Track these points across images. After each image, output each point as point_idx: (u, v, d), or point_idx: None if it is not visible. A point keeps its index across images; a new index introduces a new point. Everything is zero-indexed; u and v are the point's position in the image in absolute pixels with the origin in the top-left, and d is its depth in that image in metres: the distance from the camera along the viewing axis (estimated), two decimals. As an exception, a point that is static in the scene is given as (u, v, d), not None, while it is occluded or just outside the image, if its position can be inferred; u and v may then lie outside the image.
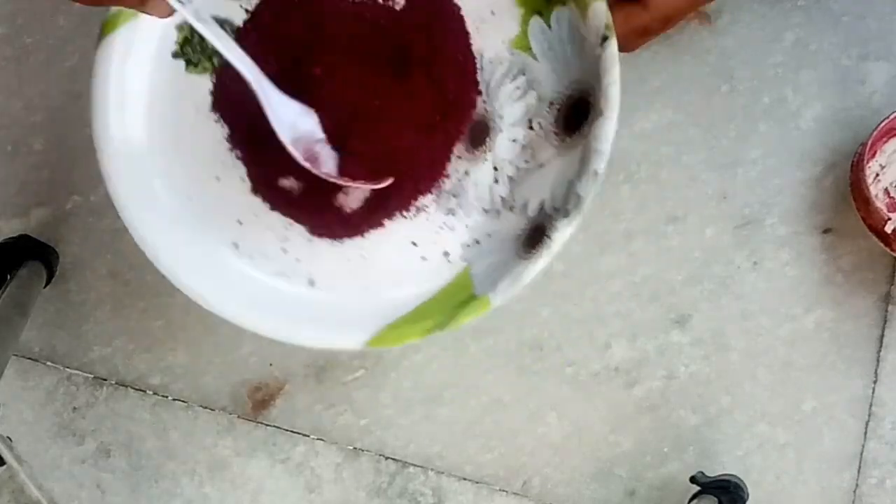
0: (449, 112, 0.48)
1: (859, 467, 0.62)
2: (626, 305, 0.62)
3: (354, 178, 0.47)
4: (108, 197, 0.65)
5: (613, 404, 0.63)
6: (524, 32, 0.48)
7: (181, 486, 0.64)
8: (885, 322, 0.63)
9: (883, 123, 0.60)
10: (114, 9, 0.47)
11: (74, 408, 0.65)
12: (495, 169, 0.49)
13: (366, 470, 0.64)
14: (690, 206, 0.64)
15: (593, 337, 0.64)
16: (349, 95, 0.48)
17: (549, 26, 0.47)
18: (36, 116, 0.66)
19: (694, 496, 0.59)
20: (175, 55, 0.50)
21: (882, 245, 0.60)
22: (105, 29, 0.48)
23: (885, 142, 0.62)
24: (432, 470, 0.64)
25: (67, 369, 0.65)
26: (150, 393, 0.65)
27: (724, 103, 0.64)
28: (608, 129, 0.45)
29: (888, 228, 0.60)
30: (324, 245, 0.50)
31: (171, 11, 0.41)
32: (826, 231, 0.64)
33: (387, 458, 0.64)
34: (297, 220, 0.50)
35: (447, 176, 0.49)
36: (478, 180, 0.49)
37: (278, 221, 0.50)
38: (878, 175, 0.63)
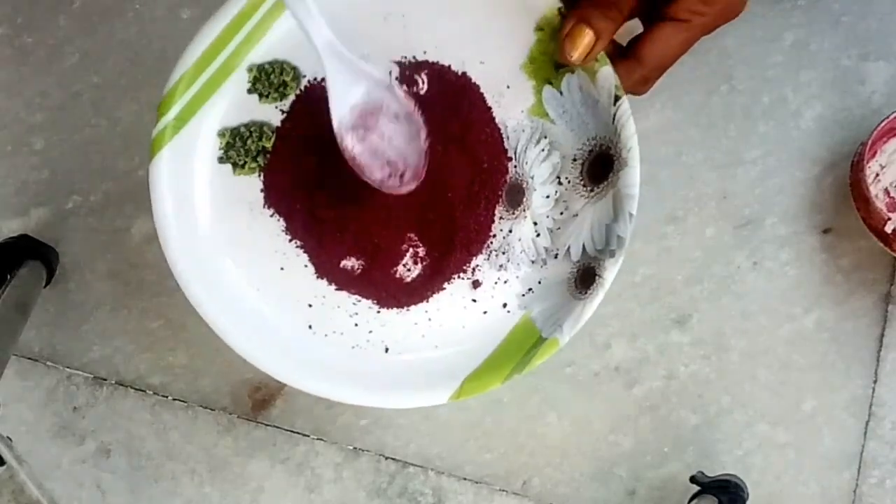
0: (486, 180, 0.53)
1: (859, 467, 0.62)
2: (626, 305, 0.62)
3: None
4: (108, 197, 0.66)
5: (613, 404, 0.63)
6: (539, 101, 0.53)
7: (181, 486, 0.64)
8: (885, 322, 0.63)
9: (883, 123, 0.60)
10: (158, 128, 0.51)
11: (74, 408, 0.65)
12: (535, 223, 0.54)
13: (366, 470, 0.64)
14: (690, 206, 0.64)
15: (593, 337, 0.64)
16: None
17: (561, 93, 0.53)
18: (36, 116, 0.66)
19: (694, 496, 0.59)
20: (221, 160, 0.53)
21: (882, 245, 0.60)
22: (153, 149, 0.51)
23: (885, 142, 0.62)
24: (432, 470, 0.64)
25: (67, 369, 0.65)
26: (150, 393, 0.65)
27: (723, 103, 0.64)
28: (634, 176, 0.51)
29: (888, 228, 0.60)
30: (391, 314, 0.54)
31: None
32: (826, 231, 0.64)
33: (387, 458, 0.64)
34: (364, 296, 0.54)
35: (493, 236, 0.54)
36: (521, 235, 0.54)
37: (346, 299, 0.54)
38: (878, 175, 0.63)
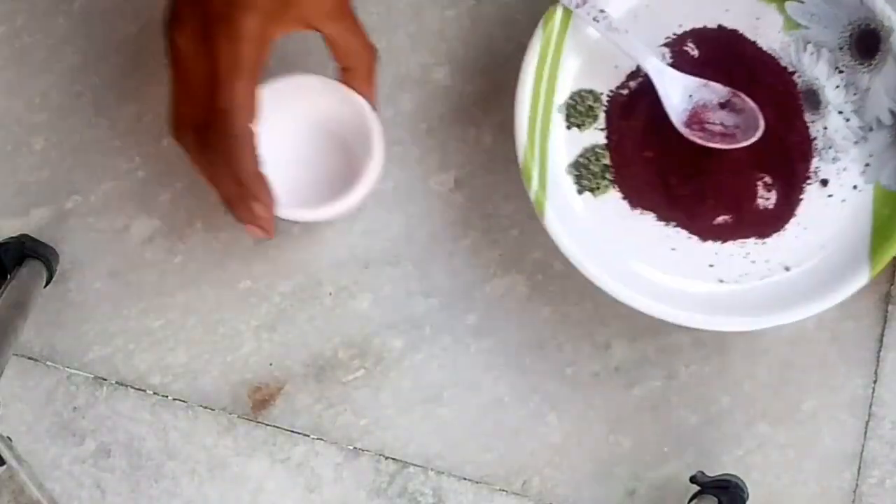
0: (785, 98, 0.61)
1: (859, 467, 0.62)
2: (626, 305, 0.62)
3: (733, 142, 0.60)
4: (108, 197, 0.66)
5: (613, 404, 0.63)
6: (787, 17, 0.61)
7: (181, 486, 0.64)
8: (885, 322, 0.63)
9: (883, 123, 0.60)
10: (532, 196, 0.59)
11: (74, 408, 0.65)
12: (840, 112, 0.61)
13: (366, 470, 0.64)
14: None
15: (593, 337, 0.64)
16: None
17: (802, 1, 0.61)
18: (36, 116, 0.66)
19: (694, 496, 0.59)
20: (579, 192, 0.62)
21: (882, 245, 0.60)
22: (538, 210, 0.60)
23: (886, 142, 0.62)
24: (432, 470, 0.64)
25: (67, 369, 0.65)
26: (150, 393, 0.65)
27: (724, 103, 0.64)
28: None
29: (889, 228, 0.60)
30: (774, 239, 0.61)
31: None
32: (826, 231, 0.63)
33: (387, 458, 0.64)
34: (747, 237, 0.61)
35: (814, 139, 0.61)
36: (836, 127, 0.61)
37: (735, 246, 0.61)
38: (878, 175, 0.63)
